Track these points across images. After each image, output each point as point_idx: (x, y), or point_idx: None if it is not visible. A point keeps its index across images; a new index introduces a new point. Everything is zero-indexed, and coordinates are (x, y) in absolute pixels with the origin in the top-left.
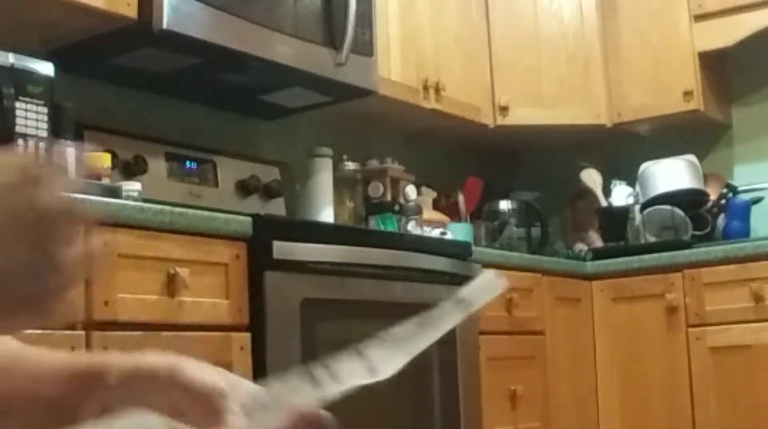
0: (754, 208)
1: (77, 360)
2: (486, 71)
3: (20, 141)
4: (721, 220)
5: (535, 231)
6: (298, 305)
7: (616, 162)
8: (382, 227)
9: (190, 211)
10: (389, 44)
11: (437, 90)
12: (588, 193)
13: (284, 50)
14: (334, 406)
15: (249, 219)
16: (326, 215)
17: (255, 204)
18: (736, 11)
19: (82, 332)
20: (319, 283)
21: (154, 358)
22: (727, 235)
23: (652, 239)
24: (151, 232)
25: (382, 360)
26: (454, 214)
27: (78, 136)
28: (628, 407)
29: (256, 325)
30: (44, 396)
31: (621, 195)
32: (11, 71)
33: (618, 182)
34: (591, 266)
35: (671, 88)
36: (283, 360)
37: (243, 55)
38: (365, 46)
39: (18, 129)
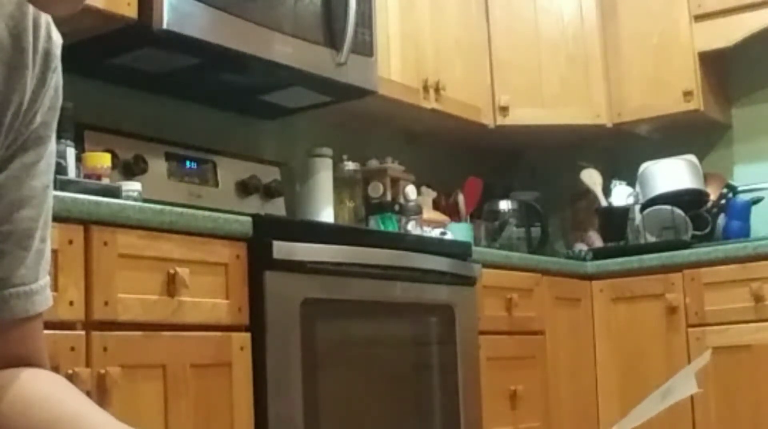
0: (754, 208)
1: None
2: (486, 71)
3: None
4: (721, 220)
5: (535, 231)
6: (298, 305)
7: (616, 162)
8: (382, 227)
9: (190, 211)
10: (389, 44)
11: (437, 90)
12: (588, 193)
13: (284, 50)
14: (333, 406)
15: (249, 219)
16: (326, 215)
17: (255, 204)
18: (736, 11)
19: (82, 332)
20: (319, 283)
21: None
22: (727, 235)
23: (652, 239)
24: (151, 232)
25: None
26: (454, 214)
27: (78, 136)
28: (628, 407)
29: (256, 325)
30: None
31: (621, 195)
32: None
33: (618, 182)
34: (591, 266)
35: (671, 88)
36: (283, 360)
37: (243, 55)
38: (365, 46)
39: None
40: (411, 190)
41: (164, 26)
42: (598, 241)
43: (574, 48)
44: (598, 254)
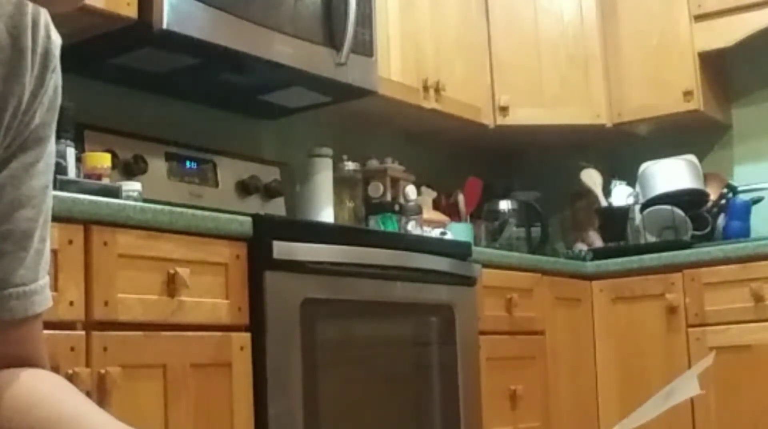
0: (754, 208)
1: None
2: (486, 71)
3: None
4: (721, 220)
5: (535, 231)
6: (298, 305)
7: (616, 162)
8: (382, 227)
9: (190, 211)
10: (389, 44)
11: (437, 90)
12: (588, 193)
13: (284, 50)
14: (333, 406)
15: (249, 219)
16: (326, 215)
17: (255, 204)
18: (736, 11)
19: (82, 332)
20: (319, 283)
21: None
22: (727, 235)
23: (652, 239)
24: (151, 232)
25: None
26: (454, 214)
27: (78, 136)
28: (628, 407)
29: (256, 325)
30: None
31: (621, 195)
32: None
33: (618, 182)
34: (591, 266)
35: (671, 88)
36: (283, 360)
37: (243, 55)
38: (365, 46)
39: None
40: (411, 190)
41: (164, 26)
42: (598, 241)
43: (574, 48)
44: (598, 254)
